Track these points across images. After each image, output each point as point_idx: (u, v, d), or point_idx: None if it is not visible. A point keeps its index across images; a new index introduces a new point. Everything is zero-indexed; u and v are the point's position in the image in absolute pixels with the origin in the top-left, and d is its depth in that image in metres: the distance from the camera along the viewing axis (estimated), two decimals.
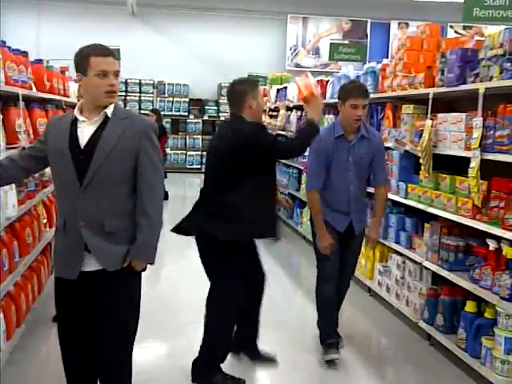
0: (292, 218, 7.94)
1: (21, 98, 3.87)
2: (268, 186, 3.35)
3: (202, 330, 3.39)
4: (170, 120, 14.11)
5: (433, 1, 13.86)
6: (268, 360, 3.72)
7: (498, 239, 3.31)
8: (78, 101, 2.76)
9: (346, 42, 13.65)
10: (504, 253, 3.24)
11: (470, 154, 3.53)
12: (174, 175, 11.79)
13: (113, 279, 2.42)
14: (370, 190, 4.55)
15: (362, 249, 4.19)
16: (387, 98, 4.99)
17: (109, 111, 2.42)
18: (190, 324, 4.22)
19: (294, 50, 15.47)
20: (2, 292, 3.34)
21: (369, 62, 6.67)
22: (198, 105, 14.82)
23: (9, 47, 3.97)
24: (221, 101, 14.46)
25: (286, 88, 8.95)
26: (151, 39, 14.47)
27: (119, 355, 2.54)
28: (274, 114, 9.58)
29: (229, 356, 3.47)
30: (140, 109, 14.03)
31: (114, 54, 2.41)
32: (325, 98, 6.59)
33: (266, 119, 8.80)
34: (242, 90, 3.30)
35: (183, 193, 12.03)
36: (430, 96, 4.11)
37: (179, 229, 3.38)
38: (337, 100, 3.79)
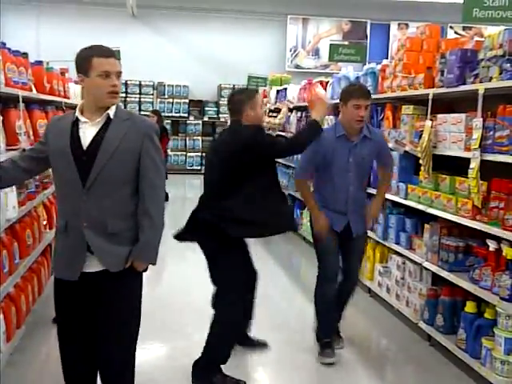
0: None
1: (21, 99, 3.87)
2: (273, 184, 3.40)
3: (202, 331, 3.39)
4: (169, 121, 14.09)
5: (432, 1, 13.87)
6: (259, 345, 3.83)
7: (498, 240, 3.31)
8: None
9: (346, 42, 13.66)
10: (504, 253, 3.24)
11: (469, 155, 3.53)
12: (174, 176, 11.79)
13: (114, 280, 2.42)
14: (370, 190, 4.55)
15: None
16: (387, 99, 4.99)
17: (111, 112, 2.42)
18: (190, 325, 4.23)
19: (294, 51, 15.48)
20: (2, 293, 3.35)
21: (369, 62, 6.66)
22: (197, 106, 14.83)
23: (9, 49, 3.97)
24: (221, 102, 14.46)
25: (285, 89, 8.95)
26: (151, 40, 14.48)
27: (121, 356, 2.54)
28: (274, 114, 9.57)
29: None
30: (140, 110, 14.03)
31: (115, 54, 2.42)
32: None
33: (265, 118, 8.79)
34: (240, 99, 3.39)
35: (183, 194, 12.03)
36: (430, 97, 4.11)
37: (182, 235, 3.42)
38: (337, 101, 3.80)
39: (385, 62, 5.27)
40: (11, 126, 3.75)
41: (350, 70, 6.23)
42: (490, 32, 3.74)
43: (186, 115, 14.65)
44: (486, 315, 3.42)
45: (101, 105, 2.41)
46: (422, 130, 4.11)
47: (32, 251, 4.08)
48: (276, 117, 8.98)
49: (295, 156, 6.47)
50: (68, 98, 5.85)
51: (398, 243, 4.64)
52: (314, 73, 13.44)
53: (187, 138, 14.67)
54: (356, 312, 4.13)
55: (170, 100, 14.49)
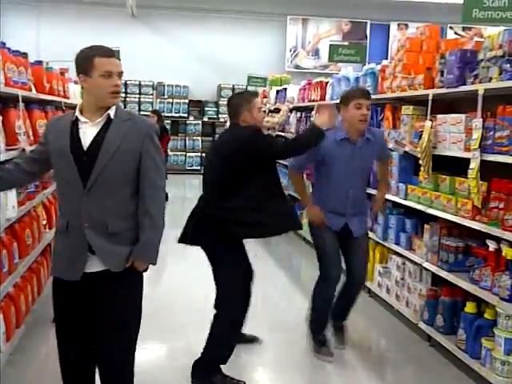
0: None
1: (20, 99, 3.87)
2: (273, 184, 3.40)
3: (202, 331, 3.39)
4: (169, 121, 14.09)
5: (432, 2, 13.87)
6: (251, 340, 3.88)
7: (498, 240, 3.31)
8: None
9: (346, 43, 13.65)
10: (504, 253, 3.24)
11: (469, 155, 3.53)
12: (173, 177, 11.78)
13: (115, 280, 2.42)
14: (370, 191, 4.55)
15: None
16: (387, 99, 4.99)
17: (111, 113, 2.42)
18: (190, 325, 4.23)
19: (294, 52, 15.49)
20: (1, 293, 3.34)
21: (368, 63, 6.67)
22: (197, 106, 14.84)
23: (9, 48, 3.97)
24: (220, 102, 14.47)
25: (285, 89, 8.95)
26: (151, 40, 14.48)
27: (121, 355, 2.53)
28: (274, 115, 9.58)
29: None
30: (140, 110, 14.04)
31: (116, 55, 2.42)
32: (324, 100, 6.60)
33: (265, 118, 8.80)
34: (238, 103, 3.42)
35: (183, 194, 12.04)
36: (430, 97, 4.11)
37: (185, 239, 3.43)
38: (337, 101, 3.81)
39: (384, 62, 5.27)
40: (11, 125, 3.75)
41: (349, 71, 6.24)
42: (490, 32, 3.75)
43: (185, 115, 14.66)
44: (486, 315, 3.42)
45: (102, 105, 2.40)
46: (422, 131, 4.11)
47: (31, 251, 4.07)
48: (275, 116, 8.99)
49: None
50: (68, 98, 5.85)
51: (397, 244, 4.64)
52: (314, 73, 13.44)
53: (187, 138, 14.67)
54: (356, 312, 4.14)
55: (170, 100, 14.49)
